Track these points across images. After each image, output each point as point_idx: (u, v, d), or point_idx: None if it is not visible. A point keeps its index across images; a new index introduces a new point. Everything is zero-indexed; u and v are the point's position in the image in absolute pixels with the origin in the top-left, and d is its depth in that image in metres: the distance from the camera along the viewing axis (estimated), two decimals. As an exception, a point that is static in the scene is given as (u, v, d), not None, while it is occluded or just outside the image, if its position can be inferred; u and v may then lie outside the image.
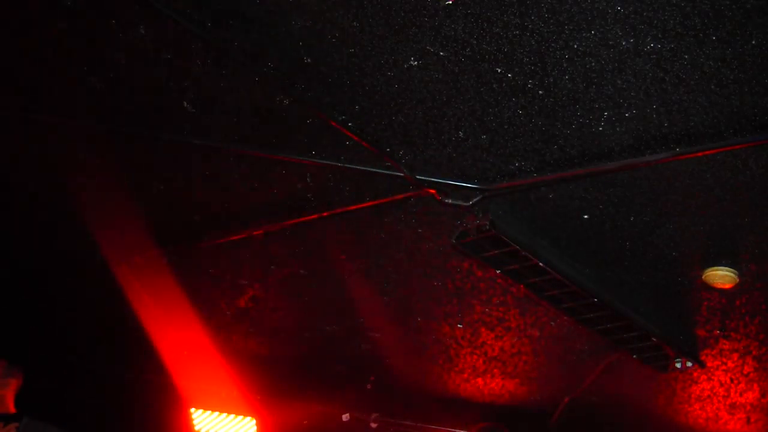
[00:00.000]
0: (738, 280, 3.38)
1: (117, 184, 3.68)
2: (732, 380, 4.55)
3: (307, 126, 2.96)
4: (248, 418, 5.73)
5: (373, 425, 6.02)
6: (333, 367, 5.39)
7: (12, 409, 4.20)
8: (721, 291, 3.54)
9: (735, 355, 4.23)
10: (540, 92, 2.56)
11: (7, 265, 4.81)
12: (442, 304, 4.20)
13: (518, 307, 4.16)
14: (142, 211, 3.89)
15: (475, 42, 2.39)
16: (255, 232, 3.74)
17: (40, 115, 3.17)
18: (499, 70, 2.49)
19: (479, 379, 5.30)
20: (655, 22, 2.20)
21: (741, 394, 4.73)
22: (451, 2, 2.25)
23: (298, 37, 2.50)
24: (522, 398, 5.57)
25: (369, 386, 5.53)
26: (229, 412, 5.73)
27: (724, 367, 4.40)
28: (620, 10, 2.18)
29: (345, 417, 5.84)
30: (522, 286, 3.63)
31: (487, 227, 3.15)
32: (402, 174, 3.07)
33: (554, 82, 2.50)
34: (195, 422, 5.74)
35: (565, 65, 2.42)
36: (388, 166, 3.08)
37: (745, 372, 4.42)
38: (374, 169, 3.11)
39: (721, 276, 3.36)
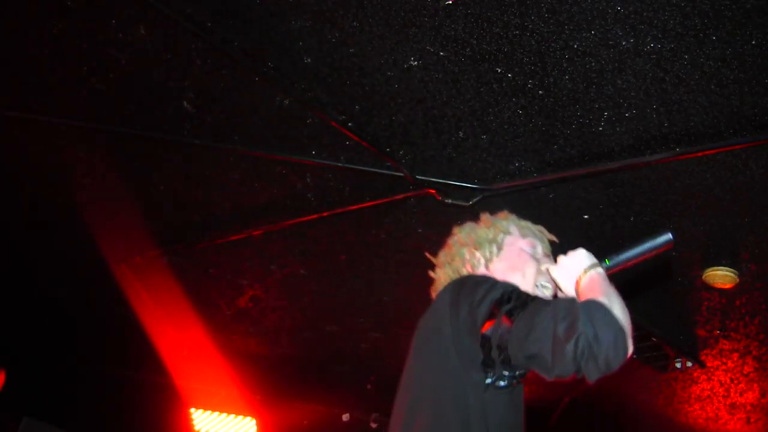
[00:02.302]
0: (738, 280, 3.38)
1: (117, 184, 3.68)
2: (732, 380, 4.55)
3: (307, 126, 2.96)
4: (248, 418, 5.73)
5: (373, 425, 6.02)
6: (333, 367, 5.38)
7: None
8: (721, 291, 3.54)
9: (735, 355, 4.23)
10: (540, 92, 2.56)
11: (7, 265, 4.81)
12: (442, 304, 4.19)
13: (518, 307, 4.15)
14: (142, 211, 3.89)
15: (475, 42, 2.39)
16: (255, 232, 3.73)
17: (40, 115, 3.17)
18: (499, 70, 2.49)
19: (479, 379, 5.30)
20: (655, 22, 2.20)
21: (741, 394, 4.73)
22: (451, 2, 2.25)
23: (298, 37, 2.50)
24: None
25: (369, 386, 5.52)
26: (229, 412, 5.72)
27: (724, 367, 4.40)
28: (620, 10, 2.18)
29: (345, 417, 5.84)
30: (522, 286, 3.63)
31: (487, 227, 3.15)
32: (402, 174, 3.07)
33: (554, 82, 2.50)
34: (195, 422, 5.73)
35: (565, 65, 2.42)
36: (388, 166, 3.08)
37: (745, 372, 4.42)
38: (374, 169, 3.11)
39: (721, 276, 3.36)
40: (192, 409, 5.73)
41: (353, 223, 3.58)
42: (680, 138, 2.65)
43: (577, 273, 1.78)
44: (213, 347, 5.15)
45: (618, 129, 2.67)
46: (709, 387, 4.69)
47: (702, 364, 4.33)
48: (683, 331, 4.07)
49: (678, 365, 4.28)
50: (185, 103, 2.95)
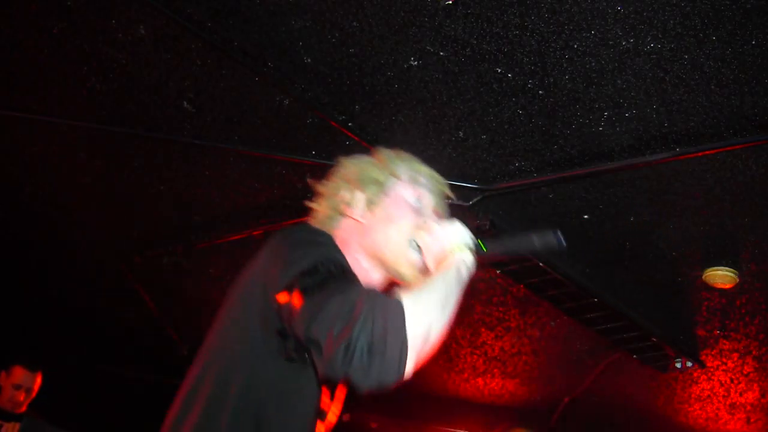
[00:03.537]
0: (738, 280, 3.38)
1: (117, 184, 3.68)
2: (732, 380, 4.55)
3: (307, 126, 2.96)
4: (248, 418, 5.72)
5: (373, 425, 6.02)
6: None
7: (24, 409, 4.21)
8: (721, 291, 3.54)
9: (735, 355, 4.23)
10: (540, 92, 2.56)
11: (6, 266, 4.81)
12: (442, 304, 4.19)
13: (518, 307, 4.16)
14: (142, 211, 3.89)
15: (475, 42, 2.39)
16: (255, 232, 3.73)
17: (40, 115, 3.17)
18: (499, 70, 2.49)
19: (479, 379, 5.31)
20: (655, 22, 2.20)
21: (741, 394, 4.73)
22: (451, 2, 2.25)
23: (298, 37, 2.50)
24: (522, 398, 5.56)
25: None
26: (229, 412, 5.72)
27: (724, 367, 4.40)
28: (620, 10, 2.18)
29: (345, 417, 5.84)
30: (522, 286, 3.63)
31: (487, 227, 3.15)
32: (402, 174, 3.07)
33: (554, 82, 2.50)
34: (195, 422, 5.73)
35: (565, 65, 2.42)
36: (388, 166, 3.07)
37: (745, 372, 4.42)
38: (374, 169, 3.11)
39: (721, 276, 3.36)
40: (192, 409, 5.72)
41: (353, 223, 3.57)
42: (680, 138, 2.65)
43: (444, 249, 1.62)
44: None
45: (618, 129, 2.67)
46: (709, 387, 4.69)
47: (702, 364, 4.33)
48: (683, 331, 4.07)
49: (678, 365, 4.28)
50: (185, 103, 2.95)
